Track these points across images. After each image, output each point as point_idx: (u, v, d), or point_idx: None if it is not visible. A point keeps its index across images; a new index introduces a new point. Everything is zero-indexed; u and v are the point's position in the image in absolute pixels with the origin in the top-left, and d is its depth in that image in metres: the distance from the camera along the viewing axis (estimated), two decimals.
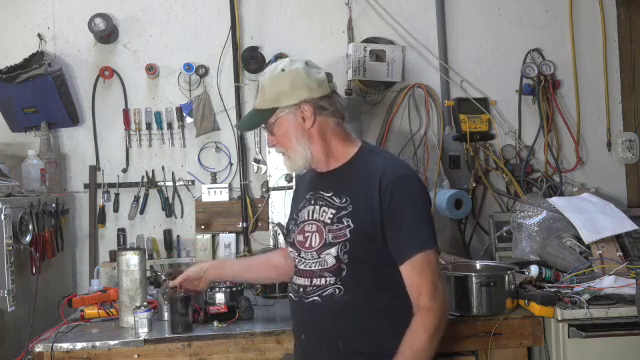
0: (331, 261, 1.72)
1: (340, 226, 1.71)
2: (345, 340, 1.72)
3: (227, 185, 3.17)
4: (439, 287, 1.69)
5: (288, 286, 1.93)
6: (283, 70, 1.75)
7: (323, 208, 1.77)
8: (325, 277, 1.73)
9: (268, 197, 3.11)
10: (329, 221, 1.74)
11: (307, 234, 1.78)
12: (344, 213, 1.72)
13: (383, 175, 1.70)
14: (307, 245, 1.78)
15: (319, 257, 1.74)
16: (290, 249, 1.87)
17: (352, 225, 1.70)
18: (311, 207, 1.81)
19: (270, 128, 1.79)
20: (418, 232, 1.69)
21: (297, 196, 1.96)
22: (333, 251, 1.71)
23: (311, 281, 1.76)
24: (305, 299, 1.77)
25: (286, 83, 1.74)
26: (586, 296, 2.17)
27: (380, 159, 1.79)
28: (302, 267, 1.79)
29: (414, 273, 1.68)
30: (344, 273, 1.71)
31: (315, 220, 1.78)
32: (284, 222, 2.84)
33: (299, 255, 1.81)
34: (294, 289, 1.83)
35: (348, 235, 1.70)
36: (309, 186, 1.87)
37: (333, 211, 1.74)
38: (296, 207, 1.91)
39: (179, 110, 3.16)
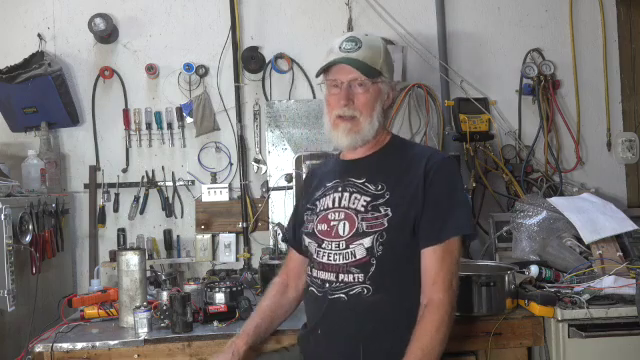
0: (360, 253, 1.66)
1: (376, 215, 1.66)
2: (367, 342, 1.66)
3: (227, 185, 3.17)
4: (455, 280, 1.66)
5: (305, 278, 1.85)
6: (386, 46, 1.79)
7: (354, 195, 1.71)
8: (352, 273, 1.67)
9: (268, 197, 3.12)
10: (362, 209, 1.68)
11: (333, 222, 1.72)
12: (381, 201, 1.67)
13: (430, 158, 1.70)
14: (333, 234, 1.71)
15: (347, 247, 1.68)
16: (308, 240, 1.79)
17: (390, 214, 1.65)
18: (337, 194, 1.75)
19: (364, 86, 1.71)
20: (456, 215, 1.67)
21: (311, 187, 1.89)
22: (367, 241, 1.65)
23: (337, 276, 1.69)
24: (330, 295, 1.70)
25: (390, 60, 1.79)
26: (586, 296, 2.17)
27: (419, 147, 1.85)
28: (325, 260, 1.72)
29: (435, 258, 1.64)
30: (372, 269, 1.65)
31: (344, 208, 1.71)
32: (284, 222, 2.85)
33: (320, 246, 1.74)
34: (317, 283, 1.75)
35: (386, 224, 1.64)
36: (333, 174, 1.81)
37: (367, 198, 1.69)
38: (311, 197, 1.84)
39: (179, 110, 3.16)
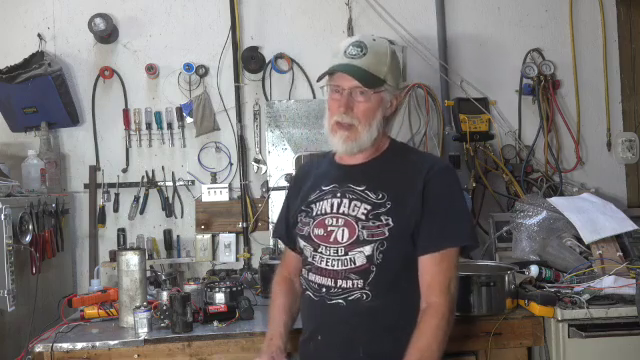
0: (360, 261, 1.65)
1: (378, 224, 1.65)
2: (366, 346, 1.67)
3: (227, 185, 3.17)
4: (452, 284, 1.65)
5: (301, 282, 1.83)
6: (394, 52, 1.73)
7: (354, 202, 1.69)
8: (352, 279, 1.66)
9: (268, 197, 3.12)
10: (363, 217, 1.67)
11: (330, 228, 1.70)
12: (383, 210, 1.66)
13: (431, 168, 1.68)
14: (331, 240, 1.69)
15: (346, 254, 1.67)
16: (304, 243, 1.78)
17: (392, 224, 1.64)
18: (336, 200, 1.72)
19: (365, 94, 1.67)
20: (456, 225, 1.67)
21: (304, 186, 1.86)
22: (367, 249, 1.65)
23: (335, 282, 1.68)
24: (328, 300, 1.69)
25: (397, 66, 1.74)
26: (586, 296, 2.17)
27: (419, 155, 1.83)
28: (323, 265, 1.71)
29: (432, 264, 1.64)
30: (372, 276, 1.65)
31: (343, 214, 1.69)
32: None
33: (316, 250, 1.73)
34: (314, 288, 1.74)
35: (386, 234, 1.64)
36: (330, 178, 1.78)
37: (368, 207, 1.67)
38: (305, 198, 1.81)
39: (179, 110, 3.16)
